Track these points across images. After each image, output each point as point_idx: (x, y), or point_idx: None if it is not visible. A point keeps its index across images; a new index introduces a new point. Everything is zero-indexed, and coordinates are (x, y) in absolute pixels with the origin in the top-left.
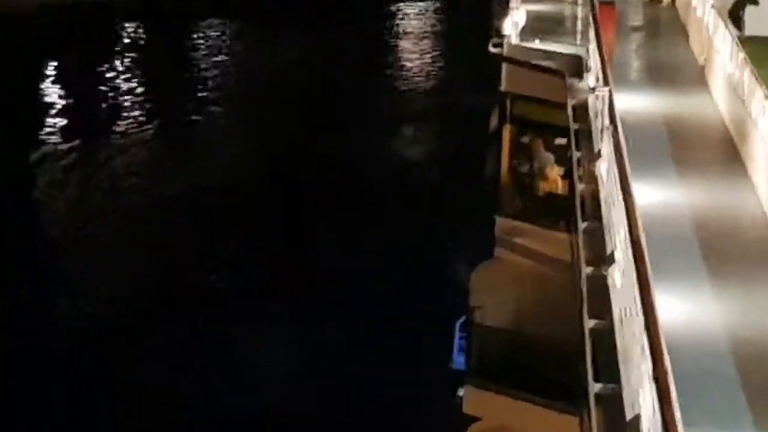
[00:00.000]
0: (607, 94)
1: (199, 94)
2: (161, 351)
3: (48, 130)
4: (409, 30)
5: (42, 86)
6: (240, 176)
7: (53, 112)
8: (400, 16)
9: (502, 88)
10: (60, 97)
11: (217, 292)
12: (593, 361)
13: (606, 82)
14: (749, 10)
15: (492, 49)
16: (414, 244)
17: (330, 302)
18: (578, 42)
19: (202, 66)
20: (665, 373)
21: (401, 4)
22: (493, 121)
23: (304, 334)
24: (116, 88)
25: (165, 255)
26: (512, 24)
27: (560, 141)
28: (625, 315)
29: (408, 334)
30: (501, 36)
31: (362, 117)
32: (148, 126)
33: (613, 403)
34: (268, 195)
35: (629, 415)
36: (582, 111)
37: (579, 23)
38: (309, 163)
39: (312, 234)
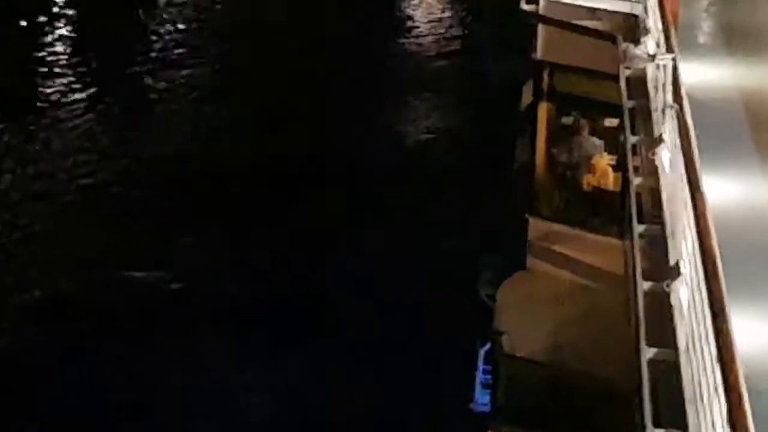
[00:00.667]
0: (671, 64)
1: (162, 55)
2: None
3: None
4: None
5: None
6: (213, 153)
7: None
8: None
9: (538, 55)
10: None
11: (176, 294)
12: (653, 403)
13: (670, 49)
14: None
15: (525, 6)
16: (425, 248)
17: (313, 317)
18: None
19: (166, 23)
20: (744, 416)
21: None
22: (526, 97)
23: (283, 355)
24: (55, 53)
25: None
26: None
27: (611, 123)
28: (694, 343)
29: (416, 364)
30: None
31: (365, 86)
32: (95, 97)
33: None
34: (246, 177)
35: None
36: (639, 85)
37: None
38: (298, 141)
39: (295, 227)
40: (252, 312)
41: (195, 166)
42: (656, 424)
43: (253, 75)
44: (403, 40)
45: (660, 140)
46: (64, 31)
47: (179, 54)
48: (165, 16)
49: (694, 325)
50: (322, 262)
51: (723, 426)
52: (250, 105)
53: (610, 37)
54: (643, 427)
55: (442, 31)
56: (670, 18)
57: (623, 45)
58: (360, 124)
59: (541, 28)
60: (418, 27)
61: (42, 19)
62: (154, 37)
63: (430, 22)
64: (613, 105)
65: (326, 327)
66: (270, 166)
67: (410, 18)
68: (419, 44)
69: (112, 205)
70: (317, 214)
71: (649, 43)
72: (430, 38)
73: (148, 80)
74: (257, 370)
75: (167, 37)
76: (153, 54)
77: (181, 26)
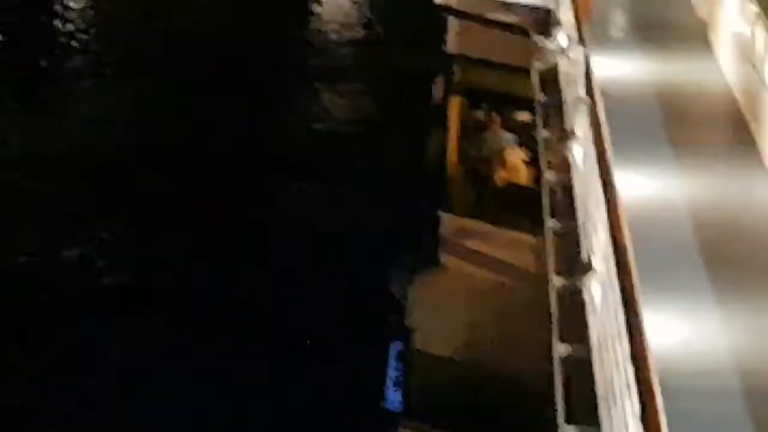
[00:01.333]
0: (583, 58)
1: (72, 43)
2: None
3: None
4: None
5: None
6: (129, 144)
7: None
8: None
9: (449, 49)
10: None
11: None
12: (567, 400)
13: (582, 42)
14: None
15: None
16: (333, 244)
17: (222, 315)
18: None
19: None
20: (657, 414)
21: None
22: (438, 92)
23: (198, 353)
24: None
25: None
26: None
27: (523, 117)
28: (606, 340)
29: (324, 362)
30: None
31: (270, 73)
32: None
33: None
34: (159, 166)
35: None
36: (551, 79)
37: None
38: (210, 125)
39: (208, 212)
40: (151, 300)
41: (92, 155)
42: (569, 421)
43: (158, 63)
44: (311, 29)
45: (572, 135)
46: None
47: (75, 40)
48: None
49: (606, 321)
50: (225, 253)
51: (636, 424)
52: (152, 93)
53: (522, 31)
54: (556, 424)
55: (353, 21)
56: (582, 11)
57: (535, 38)
58: (264, 113)
59: (452, 21)
60: (327, 16)
61: None
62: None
63: (340, 11)
64: (526, 99)
65: (229, 321)
66: (171, 155)
67: (319, 6)
68: (327, 33)
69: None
70: (220, 202)
71: (561, 37)
72: (339, 28)
73: (42, 68)
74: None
75: (63, 26)
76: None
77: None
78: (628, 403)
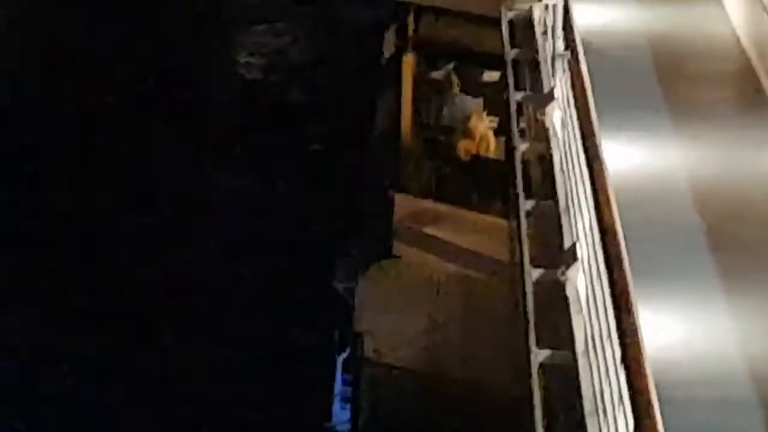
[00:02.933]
0: (561, 3)
1: None
2: None
3: None
4: None
5: None
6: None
7: None
8: None
9: None
10: None
11: None
12: (546, 415)
13: None
14: None
15: None
16: (265, 229)
17: (128, 306)
18: None
19: None
20: (654, 429)
21: None
22: (388, 46)
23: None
24: None
25: None
26: None
27: (490, 76)
28: (594, 343)
29: (257, 373)
30: None
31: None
32: None
33: None
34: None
35: None
36: (524, 29)
37: None
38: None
39: (105, 179)
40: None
41: None
42: None
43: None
44: None
45: (550, 97)
46: None
47: None
48: None
49: (594, 320)
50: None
51: None
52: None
53: None
54: None
55: None
56: None
57: None
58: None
59: None
60: None
61: None
62: None
63: None
64: (493, 55)
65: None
66: (98, 102)
67: None
68: None
69: None
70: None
71: None
72: None
73: None
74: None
75: None
76: None
77: None
78: (620, 418)
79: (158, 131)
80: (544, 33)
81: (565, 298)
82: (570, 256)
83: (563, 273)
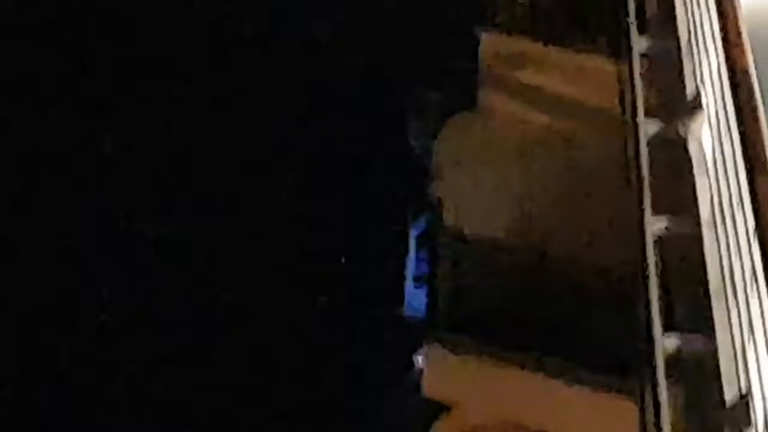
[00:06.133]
0: None
1: None
2: None
3: None
4: None
5: None
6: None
7: None
8: None
9: None
10: None
11: None
12: (662, 298)
13: None
14: None
15: None
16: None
17: None
18: None
19: None
20: None
21: None
22: None
23: None
24: None
25: None
26: None
27: None
28: (723, 213)
29: (318, 254)
30: None
31: None
32: None
33: (700, 370)
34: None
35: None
36: None
37: None
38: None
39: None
40: None
41: None
42: (669, 327)
43: None
44: None
45: None
46: None
47: None
48: None
49: (722, 183)
50: None
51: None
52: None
53: None
54: (649, 332)
55: None
56: None
57: None
58: None
59: None
60: None
61: None
62: None
63: None
64: None
65: None
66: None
67: None
68: None
69: None
70: None
71: None
72: None
73: None
74: None
75: None
76: None
77: None
78: (753, 299)
79: None
80: None
81: (687, 158)
82: (693, 105)
83: (684, 126)
